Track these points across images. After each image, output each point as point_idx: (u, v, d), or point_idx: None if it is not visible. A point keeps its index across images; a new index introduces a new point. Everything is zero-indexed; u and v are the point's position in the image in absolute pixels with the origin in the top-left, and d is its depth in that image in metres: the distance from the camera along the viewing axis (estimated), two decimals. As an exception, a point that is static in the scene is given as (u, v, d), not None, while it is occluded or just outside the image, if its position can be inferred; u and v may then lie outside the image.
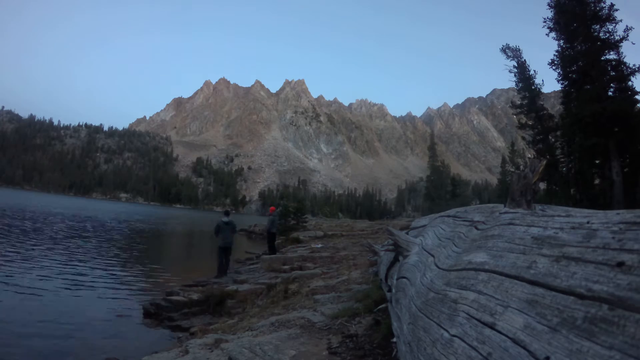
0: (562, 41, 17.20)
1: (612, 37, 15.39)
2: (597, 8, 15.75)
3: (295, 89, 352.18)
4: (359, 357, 2.58)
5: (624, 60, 15.24)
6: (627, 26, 15.49)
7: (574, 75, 16.59)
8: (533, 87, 20.29)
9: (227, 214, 9.99)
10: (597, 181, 16.77)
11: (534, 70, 20.69)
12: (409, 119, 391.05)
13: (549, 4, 17.62)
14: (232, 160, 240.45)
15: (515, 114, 21.48)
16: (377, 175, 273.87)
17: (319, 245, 12.49)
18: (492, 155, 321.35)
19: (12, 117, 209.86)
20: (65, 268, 8.76)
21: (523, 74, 20.51)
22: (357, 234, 17.86)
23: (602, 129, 14.35)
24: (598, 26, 15.74)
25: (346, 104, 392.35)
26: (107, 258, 10.99)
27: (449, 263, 1.23)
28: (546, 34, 17.81)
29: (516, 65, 20.64)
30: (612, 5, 15.62)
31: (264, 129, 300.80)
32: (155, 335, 5.27)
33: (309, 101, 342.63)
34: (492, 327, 0.70)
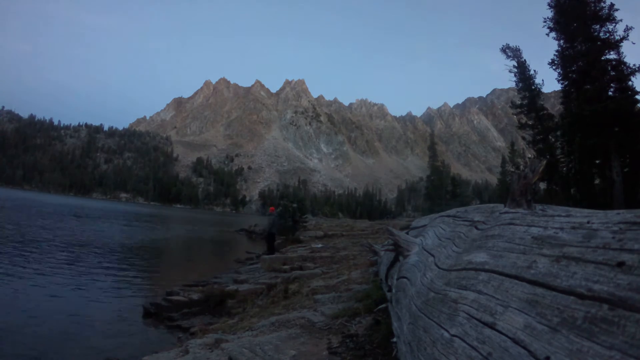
0: (562, 41, 17.17)
1: (612, 37, 15.37)
2: (597, 8, 15.73)
3: (295, 89, 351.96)
4: (359, 357, 2.58)
5: (624, 60, 15.22)
6: (627, 26, 15.46)
7: (574, 75, 16.56)
8: (533, 87, 20.26)
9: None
10: (597, 181, 16.75)
11: (534, 70, 20.68)
12: (409, 119, 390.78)
13: (549, 4, 17.60)
14: (232, 160, 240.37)
15: (515, 114, 21.45)
16: (377, 175, 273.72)
17: (319, 245, 12.49)
18: (492, 155, 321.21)
19: (12, 117, 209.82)
20: (65, 268, 8.76)
21: (523, 73, 20.48)
22: (357, 234, 17.86)
23: (602, 129, 14.33)
24: (598, 26, 15.72)
25: (346, 104, 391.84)
26: (107, 258, 10.99)
27: (449, 263, 1.23)
28: (546, 34, 17.80)
29: (516, 65, 20.61)
30: (612, 5, 15.61)
31: (264, 129, 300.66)
32: (155, 335, 5.27)
33: (309, 101, 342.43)
34: (492, 327, 0.70)
